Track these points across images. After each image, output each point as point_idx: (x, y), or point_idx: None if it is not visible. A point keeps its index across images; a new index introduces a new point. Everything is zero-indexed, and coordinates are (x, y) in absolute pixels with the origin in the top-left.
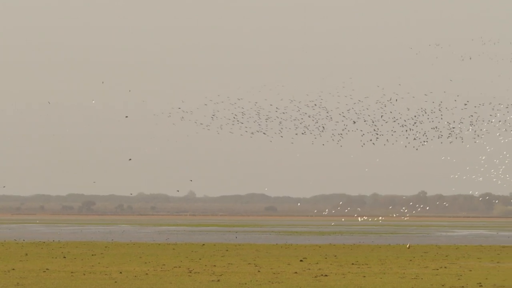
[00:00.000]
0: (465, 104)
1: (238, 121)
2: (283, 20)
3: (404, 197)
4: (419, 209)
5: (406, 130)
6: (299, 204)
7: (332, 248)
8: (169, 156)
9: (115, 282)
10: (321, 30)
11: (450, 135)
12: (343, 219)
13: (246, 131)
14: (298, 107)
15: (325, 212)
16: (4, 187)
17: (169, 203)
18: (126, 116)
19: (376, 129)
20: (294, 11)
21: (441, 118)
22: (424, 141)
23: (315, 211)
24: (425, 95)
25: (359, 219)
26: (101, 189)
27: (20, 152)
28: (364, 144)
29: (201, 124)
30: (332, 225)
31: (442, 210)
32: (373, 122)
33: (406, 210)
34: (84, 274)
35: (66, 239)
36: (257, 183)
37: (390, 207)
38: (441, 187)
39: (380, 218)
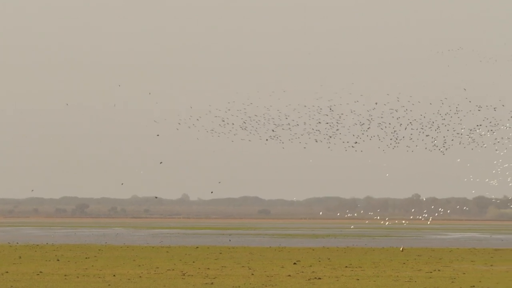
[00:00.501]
0: (480, 107)
1: (245, 128)
2: (284, 20)
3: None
4: (441, 212)
5: (427, 136)
6: (321, 213)
7: (325, 251)
8: (162, 159)
9: (109, 285)
10: (322, 30)
11: (470, 142)
12: (366, 222)
13: (260, 137)
14: (308, 114)
15: (348, 214)
16: (32, 190)
17: (163, 206)
18: (158, 135)
19: (394, 134)
20: (294, 11)
21: (460, 123)
22: (447, 147)
23: (320, 213)
24: (441, 101)
25: (382, 222)
26: (94, 192)
27: (13, 154)
28: (384, 150)
29: (205, 130)
30: (352, 228)
31: (435, 213)
32: (388, 127)
33: (426, 214)
34: (77, 277)
35: (59, 242)
36: (250, 186)
37: (413, 210)
38: (435, 190)
39: (404, 221)
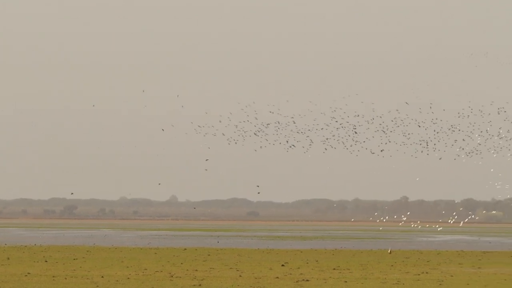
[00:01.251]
0: (504, 110)
1: (258, 132)
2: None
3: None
4: (472, 217)
5: (455, 141)
6: (353, 219)
7: (313, 253)
8: (151, 160)
9: (97, 286)
10: (323, 33)
11: (499, 147)
12: (400, 224)
13: (264, 139)
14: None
15: (381, 218)
16: (72, 193)
17: (151, 207)
18: (207, 155)
19: (426, 140)
20: (295, 16)
21: (484, 128)
22: (476, 153)
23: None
24: (464, 110)
25: (412, 225)
26: (82, 193)
27: (2, 156)
28: (414, 156)
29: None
30: (380, 230)
31: (423, 215)
32: (412, 134)
33: (456, 216)
34: (65, 278)
35: (48, 243)
36: (239, 188)
37: (443, 212)
38: (422, 192)
39: (438, 227)
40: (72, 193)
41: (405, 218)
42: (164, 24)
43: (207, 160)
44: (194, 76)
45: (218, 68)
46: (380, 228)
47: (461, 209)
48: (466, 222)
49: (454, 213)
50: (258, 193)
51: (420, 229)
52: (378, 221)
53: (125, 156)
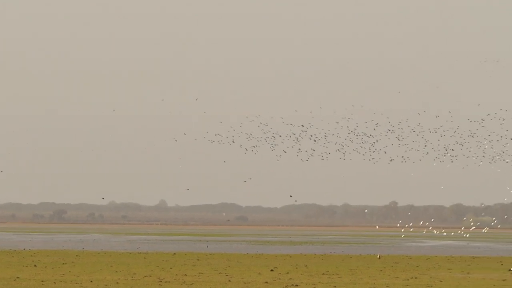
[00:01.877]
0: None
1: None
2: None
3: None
4: (495, 221)
5: (476, 149)
6: (377, 227)
7: (303, 258)
8: (141, 165)
9: None
10: (328, 37)
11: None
12: (424, 231)
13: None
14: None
15: (410, 224)
16: (103, 198)
17: (140, 212)
18: (248, 179)
19: (448, 148)
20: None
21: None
22: (503, 159)
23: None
24: (481, 121)
25: (435, 231)
26: (72, 197)
27: None
28: (436, 161)
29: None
30: (402, 238)
31: (412, 221)
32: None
33: (473, 223)
34: (54, 283)
35: (37, 248)
36: (228, 193)
37: (464, 218)
38: (412, 197)
39: (463, 234)
40: (103, 198)
41: (430, 227)
42: (165, 27)
43: (250, 179)
44: (195, 77)
45: (220, 71)
46: (402, 236)
47: (482, 214)
48: (491, 228)
49: (472, 221)
50: (296, 201)
51: (445, 236)
52: (403, 229)
53: (115, 160)
